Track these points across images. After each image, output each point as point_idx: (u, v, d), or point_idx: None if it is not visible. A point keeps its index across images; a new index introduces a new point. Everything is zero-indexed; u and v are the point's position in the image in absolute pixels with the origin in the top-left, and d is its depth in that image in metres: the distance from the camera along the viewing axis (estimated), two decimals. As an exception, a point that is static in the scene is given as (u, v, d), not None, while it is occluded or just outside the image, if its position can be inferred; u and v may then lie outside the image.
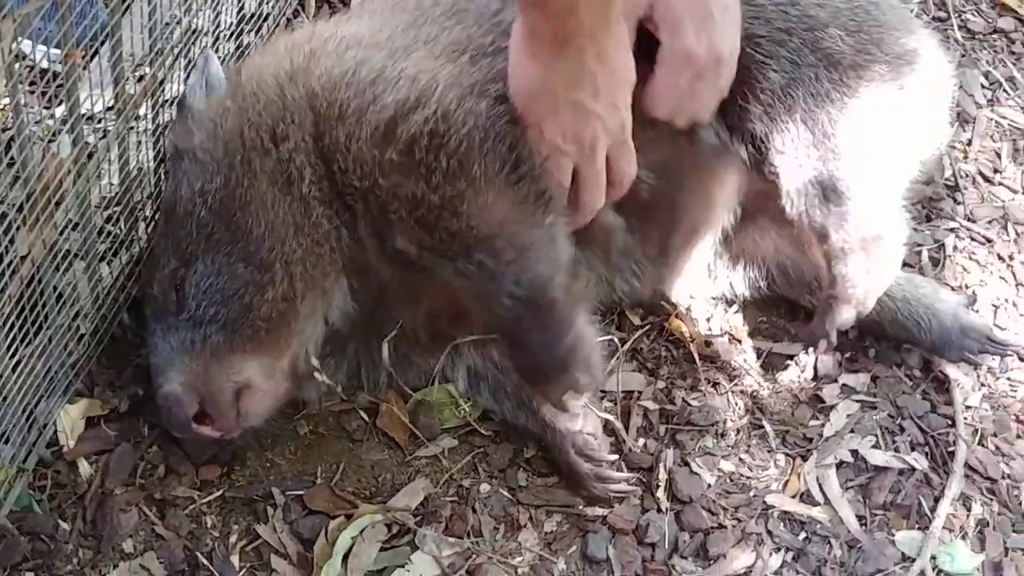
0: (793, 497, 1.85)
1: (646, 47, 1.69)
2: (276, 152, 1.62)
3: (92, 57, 1.73)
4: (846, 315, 1.88)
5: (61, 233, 1.57)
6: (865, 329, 2.04)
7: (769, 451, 1.92)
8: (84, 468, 1.70)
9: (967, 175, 2.40)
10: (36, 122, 1.63)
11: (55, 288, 1.58)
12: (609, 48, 1.55)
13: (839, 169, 1.78)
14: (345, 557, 1.67)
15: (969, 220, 2.32)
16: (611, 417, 1.86)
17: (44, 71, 1.56)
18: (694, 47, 1.67)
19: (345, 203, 1.63)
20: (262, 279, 1.60)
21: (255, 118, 1.64)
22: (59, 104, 1.47)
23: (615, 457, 1.82)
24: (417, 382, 1.87)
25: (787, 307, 2.11)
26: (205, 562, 1.64)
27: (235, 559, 1.66)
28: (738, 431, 1.93)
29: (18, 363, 1.52)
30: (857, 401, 1.99)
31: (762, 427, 1.94)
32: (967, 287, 2.18)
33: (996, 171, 2.43)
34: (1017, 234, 2.31)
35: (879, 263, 1.84)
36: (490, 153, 1.57)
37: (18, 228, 1.43)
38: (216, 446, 1.75)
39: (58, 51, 1.40)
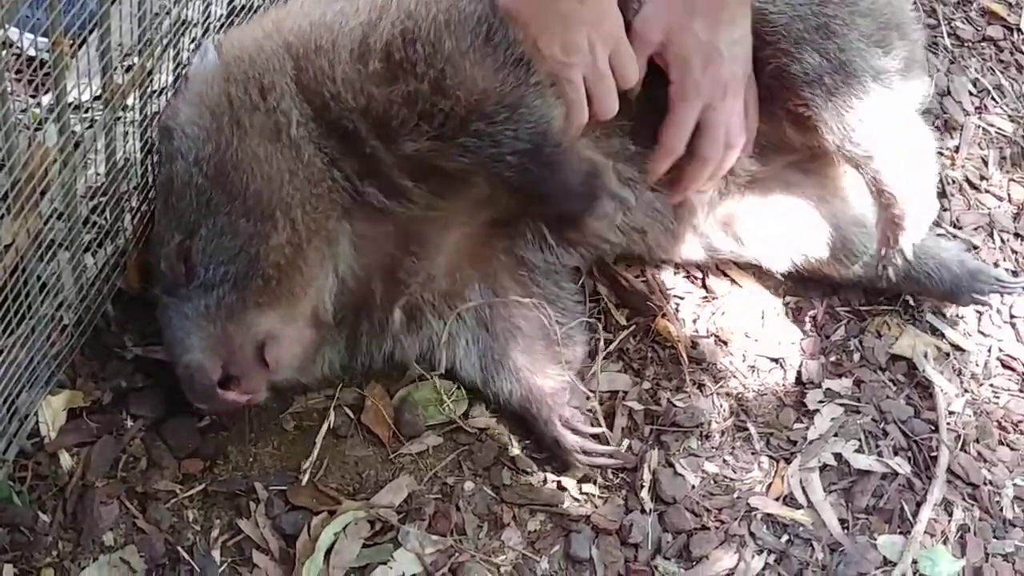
0: (776, 499, 1.86)
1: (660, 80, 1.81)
2: (264, 104, 1.67)
3: (80, 46, 1.71)
4: (916, 227, 1.93)
5: (46, 223, 1.56)
6: (879, 288, 2.11)
7: (753, 453, 1.92)
8: (65, 460, 1.69)
9: (954, 182, 2.41)
10: (23, 110, 1.62)
11: (39, 278, 1.57)
12: None
13: (862, 90, 1.85)
14: (327, 553, 1.66)
15: (955, 227, 2.33)
16: (590, 393, 1.90)
17: (31, 59, 1.55)
18: (699, 81, 1.77)
19: (342, 134, 1.67)
20: (265, 228, 1.63)
21: (239, 77, 1.69)
22: (46, 92, 1.46)
23: (601, 429, 1.86)
24: (419, 350, 1.89)
25: (772, 309, 2.12)
26: (186, 556, 1.63)
27: (216, 554, 1.65)
28: (723, 433, 1.93)
29: (0, 352, 1.51)
30: (841, 405, 1.99)
31: (747, 429, 1.95)
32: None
33: (983, 178, 2.44)
34: (1003, 241, 2.32)
35: (921, 165, 1.93)
36: (458, 29, 1.65)
37: (2, 217, 1.41)
38: (199, 439, 1.74)
39: (46, 39, 1.38)
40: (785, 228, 2.06)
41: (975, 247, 2.29)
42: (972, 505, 1.91)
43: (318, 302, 1.72)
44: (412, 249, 1.81)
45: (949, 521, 1.87)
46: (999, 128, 2.55)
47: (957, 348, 2.13)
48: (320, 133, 1.68)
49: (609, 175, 1.70)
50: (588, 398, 1.90)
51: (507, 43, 1.66)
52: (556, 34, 1.67)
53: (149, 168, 1.83)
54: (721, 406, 1.97)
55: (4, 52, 1.30)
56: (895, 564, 1.79)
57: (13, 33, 1.71)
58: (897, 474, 1.91)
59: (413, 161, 1.68)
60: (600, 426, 1.87)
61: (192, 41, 1.88)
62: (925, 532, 1.84)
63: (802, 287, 2.15)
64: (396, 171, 1.70)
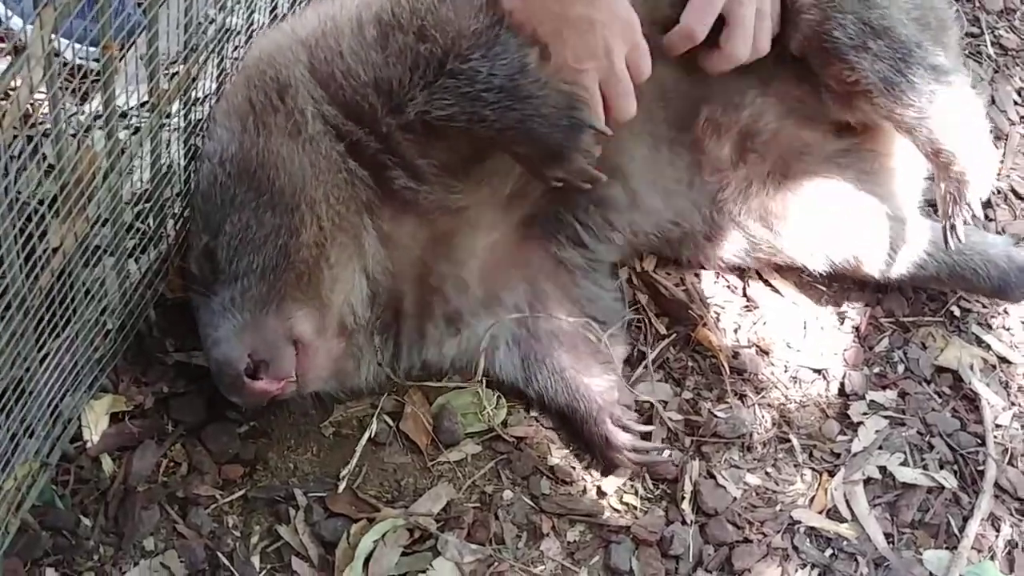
0: (820, 513, 1.83)
1: None
2: (284, 106, 1.71)
3: (127, 51, 1.72)
4: (980, 180, 1.92)
5: (91, 228, 1.57)
6: (924, 284, 2.11)
7: (796, 466, 1.89)
8: (107, 464, 1.69)
9: (999, 192, 2.38)
10: (68, 118, 1.63)
11: (84, 283, 1.58)
12: None
13: (908, 55, 1.86)
14: (366, 561, 1.65)
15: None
16: (651, 399, 1.90)
17: (76, 68, 1.56)
18: None
19: (359, 115, 1.70)
20: (292, 221, 1.66)
21: (259, 81, 1.74)
22: (92, 100, 1.47)
23: (652, 428, 1.86)
24: (458, 355, 1.89)
25: (813, 319, 2.09)
26: (226, 562, 1.63)
27: (256, 560, 1.65)
28: (765, 444, 1.91)
29: (45, 357, 1.52)
30: (885, 417, 1.96)
31: (789, 441, 1.92)
32: (999, 304, 2.16)
33: (1029, 188, 2.41)
34: (1050, 251, 2.28)
35: (974, 118, 1.95)
36: None
37: (50, 221, 1.42)
38: (239, 445, 1.75)
39: (93, 49, 1.39)
40: (822, 224, 2.04)
41: (1021, 258, 2.25)
42: (1020, 520, 1.87)
43: (346, 307, 1.72)
44: (441, 252, 1.82)
45: (996, 536, 1.84)
46: (1045, 138, 2.51)
47: (1004, 360, 2.09)
48: (338, 116, 1.71)
49: (586, 107, 1.69)
50: (632, 405, 1.89)
51: None
52: (568, 41, 1.67)
53: (192, 174, 1.84)
54: (763, 417, 1.94)
55: (55, 62, 1.31)
56: (942, 580, 1.76)
57: (61, 44, 1.72)
58: (943, 488, 1.88)
59: (419, 132, 1.69)
60: (649, 425, 1.87)
61: (235, 49, 1.90)
62: (972, 547, 1.80)
63: (844, 297, 2.13)
64: (411, 149, 1.71)
